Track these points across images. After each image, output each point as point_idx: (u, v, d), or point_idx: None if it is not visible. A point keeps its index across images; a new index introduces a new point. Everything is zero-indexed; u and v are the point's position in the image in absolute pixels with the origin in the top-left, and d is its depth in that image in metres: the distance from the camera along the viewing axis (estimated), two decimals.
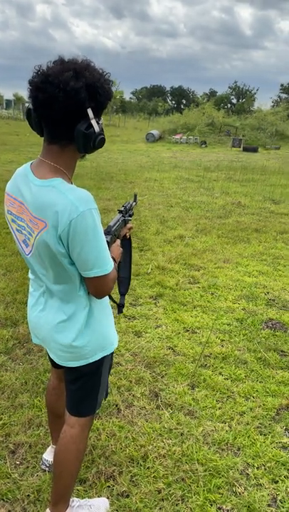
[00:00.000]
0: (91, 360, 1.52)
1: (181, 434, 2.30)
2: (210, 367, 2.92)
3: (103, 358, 1.55)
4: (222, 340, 3.28)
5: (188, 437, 2.28)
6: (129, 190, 8.97)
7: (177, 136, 24.91)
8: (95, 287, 1.39)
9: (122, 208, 1.86)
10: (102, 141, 1.33)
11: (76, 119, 1.24)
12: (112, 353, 1.65)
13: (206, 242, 5.68)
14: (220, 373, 2.86)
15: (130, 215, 1.91)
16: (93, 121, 1.26)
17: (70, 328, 1.46)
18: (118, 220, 1.75)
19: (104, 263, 1.33)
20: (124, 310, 3.61)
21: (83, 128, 1.25)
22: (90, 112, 1.24)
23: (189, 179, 10.90)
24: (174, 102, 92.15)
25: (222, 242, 5.73)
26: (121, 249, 1.69)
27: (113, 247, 1.63)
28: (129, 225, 1.85)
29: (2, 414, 2.36)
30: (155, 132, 25.66)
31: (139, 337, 3.26)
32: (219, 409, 2.52)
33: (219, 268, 4.78)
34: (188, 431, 2.33)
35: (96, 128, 1.27)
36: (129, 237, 1.92)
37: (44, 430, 2.25)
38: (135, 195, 2.13)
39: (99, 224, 1.30)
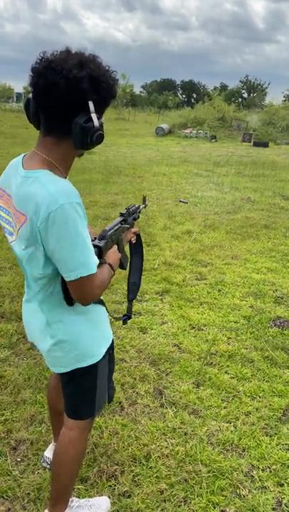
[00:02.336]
0: (79, 366, 1.46)
1: (185, 434, 2.26)
2: (216, 365, 2.87)
3: (96, 361, 1.50)
4: (228, 338, 3.22)
5: (192, 437, 2.24)
6: (138, 184, 8.91)
7: (187, 131, 24.71)
8: (77, 291, 1.28)
9: (125, 211, 1.74)
10: (100, 138, 1.25)
11: (76, 110, 1.18)
12: (111, 354, 1.60)
13: (214, 238, 5.61)
14: (226, 372, 2.81)
15: (135, 219, 1.79)
16: (93, 115, 1.19)
17: (47, 333, 1.42)
18: (116, 224, 1.62)
19: (87, 262, 1.21)
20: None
21: (82, 121, 1.18)
22: (91, 104, 1.18)
23: (198, 174, 10.80)
24: (184, 96, 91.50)
25: (230, 238, 5.66)
26: (119, 255, 1.57)
27: (109, 252, 1.51)
28: (133, 229, 1.75)
29: (4, 409, 2.34)
30: (165, 126, 25.47)
31: (144, 333, 3.21)
32: (224, 408, 2.47)
33: (227, 264, 4.71)
34: (192, 430, 2.29)
35: (96, 122, 1.20)
36: (140, 241, 1.82)
37: (46, 427, 2.22)
38: (144, 198, 2.02)
39: (81, 220, 1.19)
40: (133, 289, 1.89)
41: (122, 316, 1.88)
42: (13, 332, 3.11)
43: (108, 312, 1.59)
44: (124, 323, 1.88)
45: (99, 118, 1.22)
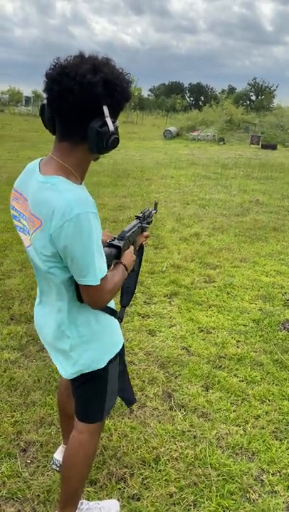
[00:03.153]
0: (90, 370, 1.47)
1: (194, 437, 2.26)
2: (225, 368, 2.86)
3: (107, 364, 1.50)
4: (238, 341, 3.21)
5: (202, 440, 2.24)
6: (146, 187, 8.93)
7: (195, 133, 24.71)
8: (87, 297, 1.30)
9: (140, 214, 1.78)
10: (116, 142, 1.26)
11: (90, 115, 1.19)
12: (121, 357, 1.61)
13: (223, 241, 5.60)
14: (235, 375, 2.80)
15: (148, 223, 1.83)
16: (108, 120, 1.20)
17: (61, 337, 1.43)
18: (134, 226, 1.66)
19: (95, 273, 1.22)
20: (138, 308, 3.58)
21: (97, 125, 1.19)
22: (105, 109, 1.19)
23: (206, 176, 10.79)
24: (192, 99, 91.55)
25: (239, 241, 5.64)
26: (134, 256, 1.60)
27: (126, 253, 1.53)
28: (146, 233, 1.77)
29: (14, 411, 2.35)
30: (173, 129, 25.50)
31: (152, 336, 3.22)
32: (234, 412, 2.46)
33: (236, 267, 4.70)
34: (201, 434, 2.28)
35: (111, 127, 1.20)
36: (142, 245, 1.83)
37: (56, 429, 2.23)
38: (156, 204, 2.05)
39: (95, 230, 1.20)
40: (127, 293, 1.84)
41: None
42: (23, 334, 3.12)
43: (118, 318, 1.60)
44: None
45: (114, 122, 1.23)
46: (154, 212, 1.97)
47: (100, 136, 1.20)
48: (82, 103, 1.17)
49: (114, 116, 1.24)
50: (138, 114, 45.51)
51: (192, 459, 2.11)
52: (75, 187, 1.23)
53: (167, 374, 2.76)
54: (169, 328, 3.35)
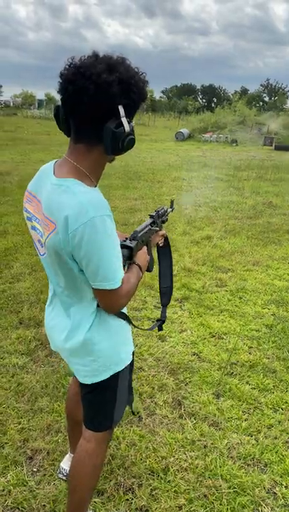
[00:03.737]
0: (102, 378, 1.43)
1: (205, 447, 2.20)
2: (236, 375, 2.79)
3: (118, 372, 1.46)
4: (250, 348, 3.14)
5: (212, 450, 2.17)
6: (157, 189, 8.88)
7: (207, 135, 24.62)
8: (103, 301, 1.29)
9: (154, 213, 1.73)
10: (132, 143, 1.23)
11: (106, 116, 1.15)
12: (131, 366, 1.56)
13: (235, 244, 5.52)
14: (247, 382, 2.73)
15: (163, 221, 1.79)
16: (124, 120, 1.16)
17: (73, 342, 1.39)
18: (147, 226, 1.62)
19: (113, 277, 1.20)
20: (148, 312, 3.53)
21: (113, 126, 1.15)
22: (121, 109, 1.15)
23: (219, 178, 10.70)
24: (204, 101, 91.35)
25: (252, 244, 5.55)
26: (148, 257, 1.55)
27: (139, 254, 1.50)
28: (161, 232, 1.73)
29: (21, 418, 2.32)
30: (185, 131, 25.45)
31: (162, 341, 3.16)
32: (245, 420, 2.40)
33: (248, 271, 4.62)
34: (212, 443, 2.22)
35: (126, 127, 1.17)
36: (168, 244, 1.79)
37: (63, 436, 2.19)
38: (172, 202, 2.00)
39: (111, 233, 1.18)
40: (166, 294, 1.85)
41: (155, 323, 1.84)
42: (32, 338, 3.10)
43: (134, 325, 1.56)
44: (159, 330, 1.84)
45: (129, 122, 1.19)
46: (170, 210, 1.92)
47: (116, 136, 1.17)
48: (98, 103, 1.13)
49: (130, 117, 1.20)
50: (150, 116, 45.53)
51: (202, 470, 2.05)
52: (90, 189, 1.20)
53: (177, 381, 2.70)
54: (180, 333, 3.29)
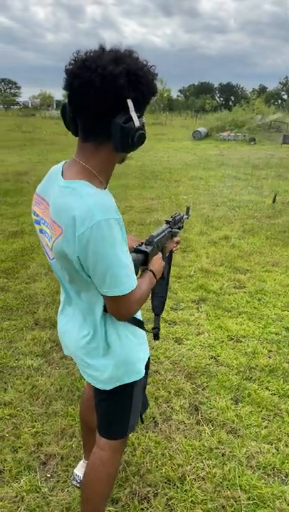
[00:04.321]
0: (117, 384, 1.38)
1: (223, 455, 2.12)
2: (256, 380, 2.71)
3: (134, 382, 1.40)
4: (269, 351, 3.04)
5: (230, 459, 2.10)
6: (174, 188, 8.80)
7: (225, 134, 24.37)
8: (113, 308, 1.22)
9: (170, 219, 1.68)
10: (142, 138, 1.16)
11: (114, 110, 1.09)
12: (146, 373, 1.50)
13: (254, 244, 5.40)
14: (266, 388, 2.64)
15: (179, 228, 1.73)
16: (133, 114, 1.10)
17: (89, 347, 1.33)
18: (163, 231, 1.57)
19: (120, 283, 1.14)
20: (165, 314, 3.46)
21: (121, 121, 1.09)
22: (130, 102, 1.09)
23: (237, 177, 10.55)
24: (222, 99, 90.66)
25: (271, 244, 5.43)
26: (163, 263, 1.50)
27: (154, 259, 1.44)
28: (176, 239, 1.67)
29: (35, 421, 2.28)
30: (202, 130, 25.24)
31: (179, 344, 3.09)
32: (265, 428, 2.31)
33: (267, 272, 4.50)
34: (230, 451, 2.14)
35: (136, 122, 1.10)
36: (171, 251, 1.72)
37: (77, 442, 2.14)
38: (188, 209, 1.94)
39: (119, 237, 1.11)
40: (159, 304, 1.75)
41: (151, 329, 1.76)
42: (47, 340, 3.07)
43: (146, 330, 1.49)
44: (156, 339, 1.76)
45: (139, 117, 1.13)
46: (185, 217, 1.86)
47: (125, 132, 1.10)
48: (104, 97, 1.07)
49: (139, 111, 1.14)
50: (167, 115, 45.39)
51: (220, 480, 1.98)
52: (98, 191, 1.14)
53: (194, 385, 2.63)
54: (197, 335, 3.22)
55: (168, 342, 3.09)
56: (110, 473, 1.52)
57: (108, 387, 1.38)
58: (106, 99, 1.07)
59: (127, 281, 1.14)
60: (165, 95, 50.67)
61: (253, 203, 7.73)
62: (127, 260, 1.15)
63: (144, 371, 1.43)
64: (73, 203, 1.10)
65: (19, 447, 2.11)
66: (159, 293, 1.73)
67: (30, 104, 63.29)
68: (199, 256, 4.87)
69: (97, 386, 1.40)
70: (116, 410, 1.46)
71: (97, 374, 1.37)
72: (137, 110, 1.11)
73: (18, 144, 16.59)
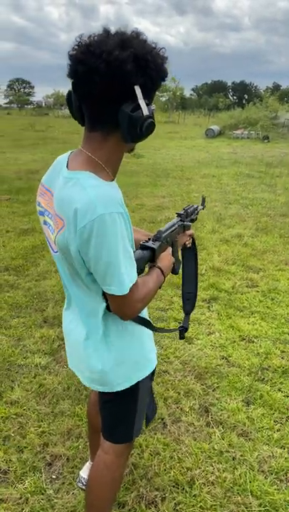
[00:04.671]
0: (119, 388, 1.32)
1: (233, 459, 2.05)
2: (268, 381, 2.63)
3: (138, 382, 1.35)
4: (282, 352, 2.96)
5: (241, 463, 2.03)
6: (186, 186, 8.71)
7: (238, 132, 24.14)
8: (115, 306, 1.16)
9: (182, 211, 1.59)
10: (152, 127, 1.09)
11: (121, 98, 1.03)
12: (152, 374, 1.44)
13: (267, 242, 5.30)
14: (279, 389, 2.56)
15: (192, 220, 1.64)
16: (141, 101, 1.03)
17: (88, 348, 1.28)
18: (173, 225, 1.49)
19: (121, 281, 1.07)
20: (175, 313, 3.40)
21: (129, 109, 1.03)
22: (137, 89, 1.02)
23: (250, 175, 10.41)
24: (235, 98, 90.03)
25: (284, 242, 5.32)
26: (173, 259, 1.42)
27: (162, 255, 1.36)
28: (189, 232, 1.58)
29: (41, 421, 2.24)
30: (215, 128, 25.05)
31: (189, 344, 3.03)
32: (277, 431, 2.23)
33: (281, 270, 4.40)
34: (241, 455, 2.07)
35: (144, 110, 1.04)
36: (194, 246, 1.65)
37: (83, 442, 2.10)
38: (203, 199, 1.84)
39: (123, 233, 1.05)
40: (189, 300, 1.70)
41: (177, 327, 1.70)
42: (55, 338, 3.03)
43: (156, 329, 1.43)
44: (181, 338, 1.70)
45: (148, 104, 1.06)
46: (200, 208, 1.77)
47: (133, 121, 1.04)
48: (111, 83, 1.00)
49: (148, 98, 1.07)
50: (180, 113, 45.22)
51: (230, 484, 1.91)
52: (102, 183, 1.08)
53: (204, 386, 2.56)
54: (208, 335, 3.14)
55: (178, 341, 3.03)
56: (115, 478, 1.47)
57: (110, 389, 1.33)
58: (112, 86, 1.01)
59: (128, 280, 1.08)
60: (178, 94, 50.45)
61: (267, 201, 7.60)
62: (130, 258, 1.09)
63: (148, 371, 1.37)
64: (75, 195, 1.05)
65: (25, 447, 2.07)
66: (188, 290, 1.68)
67: (43, 104, 63.68)
68: (211, 254, 4.79)
69: (99, 389, 1.35)
70: (120, 413, 1.41)
71: (97, 376, 1.31)
72: (145, 97, 1.05)
73: (31, 143, 16.65)
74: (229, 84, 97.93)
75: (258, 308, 3.56)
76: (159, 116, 46.92)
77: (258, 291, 3.90)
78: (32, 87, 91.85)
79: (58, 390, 2.47)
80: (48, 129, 24.40)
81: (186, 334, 3.08)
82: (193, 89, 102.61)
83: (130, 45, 1.01)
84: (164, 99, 49.69)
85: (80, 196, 1.03)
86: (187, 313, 1.69)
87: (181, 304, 3.56)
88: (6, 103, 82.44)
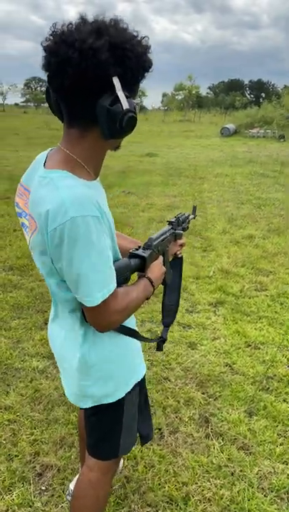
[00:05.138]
0: (103, 402, 1.24)
1: (232, 474, 1.95)
2: (273, 391, 2.51)
3: (122, 398, 1.26)
4: None
5: (240, 479, 1.92)
6: (198, 186, 8.58)
7: (254, 130, 23.83)
8: (89, 317, 1.08)
9: (174, 219, 1.52)
10: (132, 121, 1.00)
11: (98, 90, 0.95)
12: (142, 386, 1.36)
13: (279, 244, 5.15)
14: (284, 400, 2.44)
15: (184, 229, 1.57)
16: (120, 93, 0.95)
17: (69, 359, 1.20)
18: (164, 233, 1.41)
19: (92, 291, 0.98)
20: (179, 317, 3.30)
21: (107, 103, 0.95)
22: (116, 81, 0.94)
23: (264, 174, 10.22)
24: (252, 96, 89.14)
25: None
26: (164, 268, 1.34)
27: (153, 265, 1.28)
28: (180, 241, 1.51)
29: (34, 428, 2.17)
30: (230, 126, 24.78)
31: (193, 349, 2.92)
32: (280, 445, 2.12)
33: None
34: (240, 470, 1.97)
35: (124, 103, 0.95)
36: (181, 256, 1.57)
37: (76, 452, 2.02)
38: (194, 208, 1.77)
39: (96, 237, 0.95)
40: (170, 312, 1.60)
41: (155, 338, 1.60)
42: None
43: (140, 337, 1.34)
44: (158, 349, 1.61)
45: (129, 97, 0.97)
46: (191, 217, 1.70)
47: (112, 115, 0.96)
48: (85, 75, 0.92)
49: (129, 91, 0.98)
50: (195, 112, 44.90)
51: (228, 502, 1.81)
52: (77, 184, 0.99)
53: (206, 395, 2.46)
54: (212, 341, 3.04)
55: (181, 347, 2.93)
56: (99, 497, 1.39)
57: (91, 404, 1.24)
58: (87, 78, 0.92)
59: (101, 290, 0.99)
60: (194, 92, 50.14)
61: (280, 201, 7.43)
62: (106, 265, 1.00)
63: (130, 387, 1.28)
64: (47, 196, 0.97)
65: (15, 456, 2.00)
66: (170, 302, 1.58)
67: None
68: (220, 256, 4.67)
69: (80, 404, 1.27)
70: (105, 427, 1.32)
71: (77, 390, 1.23)
72: (126, 89, 0.96)
73: (45, 142, 16.68)
74: (246, 82, 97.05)
75: (265, 313, 3.44)
76: (174, 115, 46.83)
77: (266, 295, 3.77)
78: None
79: (53, 396, 2.40)
80: (62, 127, 24.43)
81: (190, 339, 3.01)
82: (209, 88, 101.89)
83: (106, 33, 0.93)
84: (179, 97, 49.42)
85: (52, 197, 0.96)
86: (167, 325, 1.59)
87: (186, 307, 3.46)
88: (23, 102, 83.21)
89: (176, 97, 50.04)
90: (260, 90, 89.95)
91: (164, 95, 68.90)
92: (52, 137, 18.54)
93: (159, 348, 1.58)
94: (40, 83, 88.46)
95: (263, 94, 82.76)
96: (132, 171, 9.96)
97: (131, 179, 8.84)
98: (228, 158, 13.18)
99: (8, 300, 3.53)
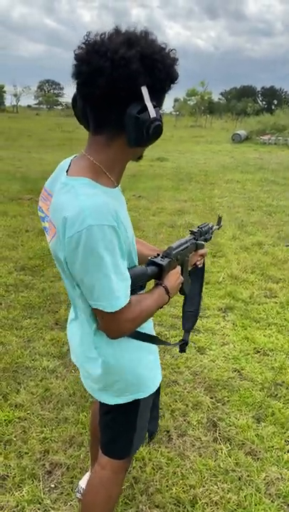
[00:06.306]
0: (120, 401, 1.26)
1: (239, 479, 1.96)
2: (281, 398, 2.52)
3: (139, 399, 1.28)
4: None
5: (247, 483, 1.94)
6: (208, 191, 8.60)
7: (265, 137, 23.79)
8: (102, 323, 1.11)
9: (196, 230, 1.53)
10: (159, 130, 1.04)
11: (127, 99, 0.98)
12: (157, 391, 1.38)
13: (288, 251, 5.15)
14: None
15: (206, 240, 1.58)
16: (148, 103, 0.98)
17: (88, 357, 1.23)
18: (186, 242, 1.42)
19: (107, 298, 1.01)
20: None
21: (135, 111, 0.98)
22: (144, 90, 0.97)
23: (275, 181, 10.20)
24: (264, 103, 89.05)
25: None
26: (182, 278, 1.35)
27: (170, 274, 1.28)
28: (202, 251, 1.51)
29: (44, 426, 2.20)
30: (242, 132, 24.77)
31: (201, 354, 2.94)
32: (288, 452, 2.13)
33: None
34: (247, 475, 1.98)
35: (152, 112, 0.99)
36: (203, 266, 1.58)
37: (85, 451, 2.04)
38: (219, 218, 1.79)
39: (111, 246, 0.98)
40: (189, 319, 1.62)
41: (177, 342, 1.63)
42: (66, 341, 2.99)
43: (159, 342, 1.37)
44: (181, 351, 1.63)
45: (156, 106, 1.01)
46: (215, 228, 1.71)
47: (139, 123, 0.99)
48: (116, 84, 0.95)
49: (156, 100, 1.02)
50: (207, 117, 44.95)
51: (234, 506, 1.82)
52: (98, 192, 1.02)
53: (214, 399, 2.48)
54: (221, 346, 3.05)
55: (189, 351, 2.95)
56: (111, 495, 1.41)
57: (109, 401, 1.27)
58: (118, 87, 0.96)
59: (115, 298, 1.01)
60: (206, 98, 50.22)
61: None
62: (121, 274, 1.02)
63: (150, 391, 1.31)
64: (67, 203, 1.00)
65: (25, 453, 2.04)
66: (189, 309, 1.60)
67: None
68: (229, 262, 4.69)
69: (98, 397, 1.30)
70: (120, 427, 1.35)
71: (95, 385, 1.27)
72: (153, 99, 1.00)
73: (57, 143, 16.85)
74: (258, 89, 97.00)
75: (275, 320, 3.44)
76: (185, 121, 46.95)
77: (276, 302, 3.77)
78: (61, 89, 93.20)
79: (63, 396, 2.43)
80: (74, 130, 24.62)
81: (199, 344, 3.03)
82: (221, 94, 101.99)
83: (137, 43, 0.96)
84: (191, 103, 49.53)
85: (71, 204, 0.99)
86: (187, 331, 1.61)
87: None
88: (36, 104, 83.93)
89: (188, 102, 50.17)
90: (273, 97, 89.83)
91: (176, 100, 69.16)
92: (64, 139, 18.72)
93: (182, 349, 1.62)
94: (54, 86, 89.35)
95: (275, 101, 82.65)
96: (142, 175, 10.00)
97: (142, 183, 8.88)
98: (238, 165, 13.18)
99: (20, 300, 3.57)
